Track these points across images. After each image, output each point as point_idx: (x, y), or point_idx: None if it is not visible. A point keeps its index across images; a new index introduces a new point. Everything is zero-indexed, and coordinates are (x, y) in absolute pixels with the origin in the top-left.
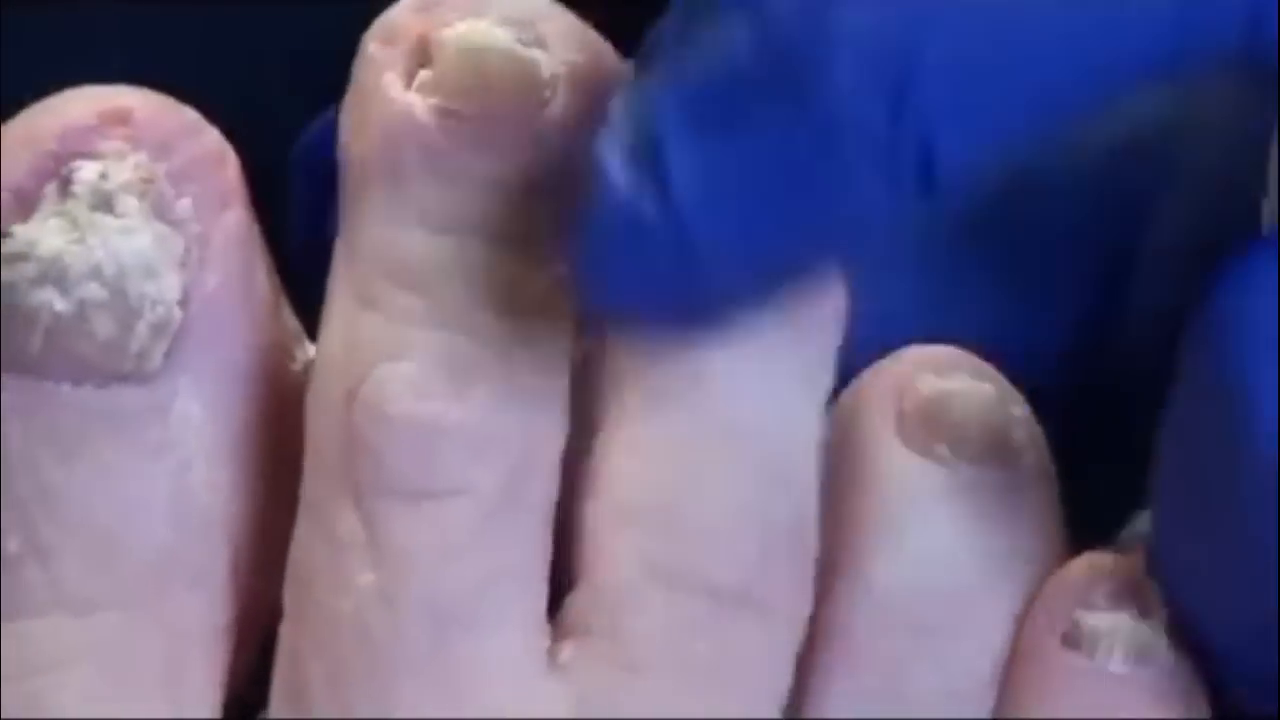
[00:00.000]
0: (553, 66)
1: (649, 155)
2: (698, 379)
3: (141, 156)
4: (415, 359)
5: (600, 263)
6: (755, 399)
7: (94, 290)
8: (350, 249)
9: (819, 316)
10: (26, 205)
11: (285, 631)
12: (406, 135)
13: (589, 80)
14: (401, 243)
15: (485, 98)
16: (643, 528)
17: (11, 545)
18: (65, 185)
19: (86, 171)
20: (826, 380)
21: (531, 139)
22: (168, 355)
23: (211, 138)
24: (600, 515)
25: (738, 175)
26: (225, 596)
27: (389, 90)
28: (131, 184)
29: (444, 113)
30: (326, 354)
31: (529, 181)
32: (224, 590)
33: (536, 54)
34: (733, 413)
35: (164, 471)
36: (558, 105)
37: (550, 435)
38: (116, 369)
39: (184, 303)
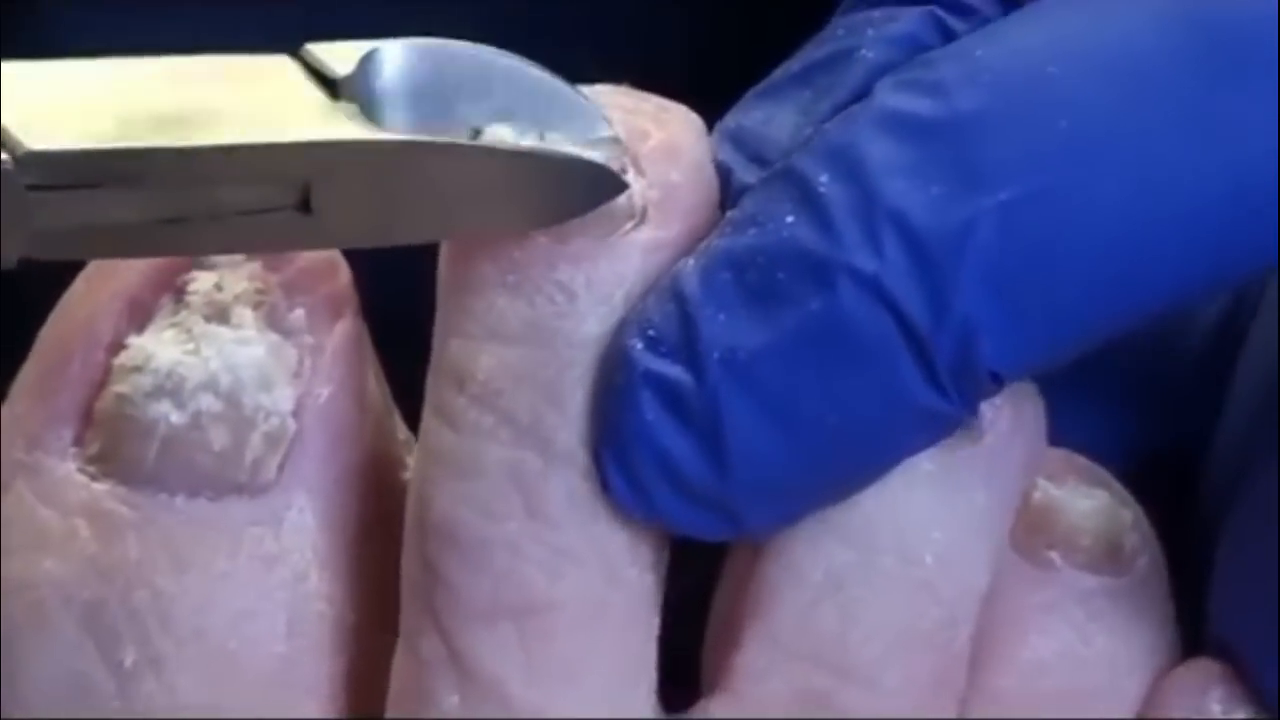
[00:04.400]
0: (642, 192)
1: (684, 332)
2: (866, 510)
3: (255, 266)
4: (486, 477)
5: (631, 455)
6: (927, 537)
7: (209, 401)
8: (434, 361)
9: (1009, 456)
10: (142, 316)
11: None
12: (479, 248)
13: (684, 202)
14: (473, 354)
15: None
16: (798, 657)
17: (128, 658)
18: (180, 296)
19: (201, 282)
20: (1004, 523)
21: (608, 257)
22: (281, 466)
23: None
24: (756, 637)
25: (775, 355)
26: (337, 707)
27: None
28: (246, 294)
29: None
30: (414, 470)
31: (602, 295)
32: (336, 701)
33: (627, 180)
34: (902, 548)
35: (278, 583)
36: (644, 232)
37: (641, 545)
38: (231, 480)
39: (297, 413)
